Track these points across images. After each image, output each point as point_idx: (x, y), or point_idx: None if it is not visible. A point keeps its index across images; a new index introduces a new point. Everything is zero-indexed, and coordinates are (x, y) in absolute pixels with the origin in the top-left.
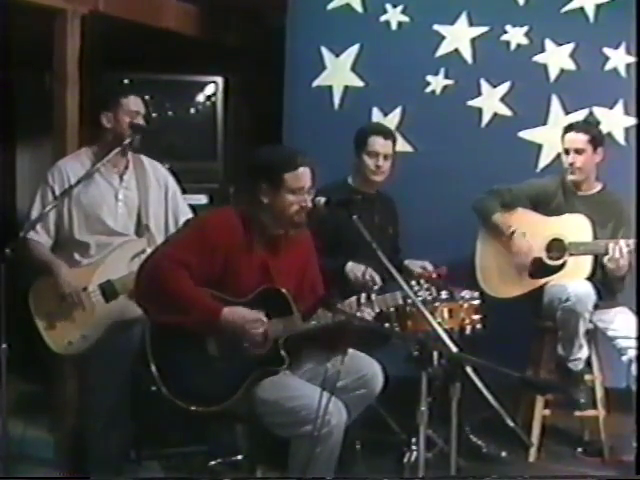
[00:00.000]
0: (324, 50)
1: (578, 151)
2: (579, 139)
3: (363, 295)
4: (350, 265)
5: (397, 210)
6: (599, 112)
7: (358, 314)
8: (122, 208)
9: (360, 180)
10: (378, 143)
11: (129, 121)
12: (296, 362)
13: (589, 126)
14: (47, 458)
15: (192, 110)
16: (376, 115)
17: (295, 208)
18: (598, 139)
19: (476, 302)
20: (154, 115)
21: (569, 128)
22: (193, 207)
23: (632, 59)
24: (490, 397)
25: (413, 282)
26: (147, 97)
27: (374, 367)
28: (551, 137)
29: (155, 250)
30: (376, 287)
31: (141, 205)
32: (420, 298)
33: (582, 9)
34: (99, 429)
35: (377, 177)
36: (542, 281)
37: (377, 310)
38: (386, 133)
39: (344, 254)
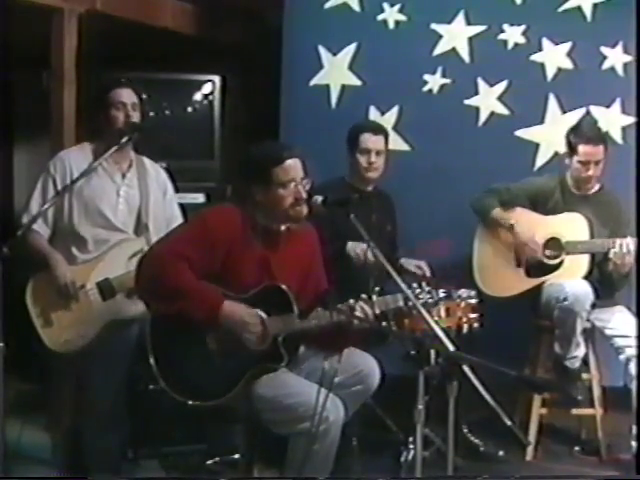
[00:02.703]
0: (321, 49)
1: (597, 162)
2: (598, 151)
3: (363, 295)
4: (350, 244)
5: (395, 207)
6: (596, 111)
7: (357, 313)
8: (123, 204)
9: (355, 177)
10: (369, 140)
11: (123, 116)
12: (295, 360)
13: (600, 133)
14: (44, 458)
15: (189, 109)
16: (373, 114)
17: (289, 201)
18: (607, 143)
19: (473, 301)
20: (151, 114)
21: (585, 140)
22: (186, 206)
23: (629, 58)
24: (487, 396)
25: (415, 284)
26: (144, 96)
27: (371, 363)
28: (548, 136)
29: (156, 243)
30: (378, 268)
31: (142, 204)
32: (421, 301)
33: (579, 8)
34: (96, 428)
35: (371, 174)
36: (539, 280)
37: (377, 311)
38: (376, 129)
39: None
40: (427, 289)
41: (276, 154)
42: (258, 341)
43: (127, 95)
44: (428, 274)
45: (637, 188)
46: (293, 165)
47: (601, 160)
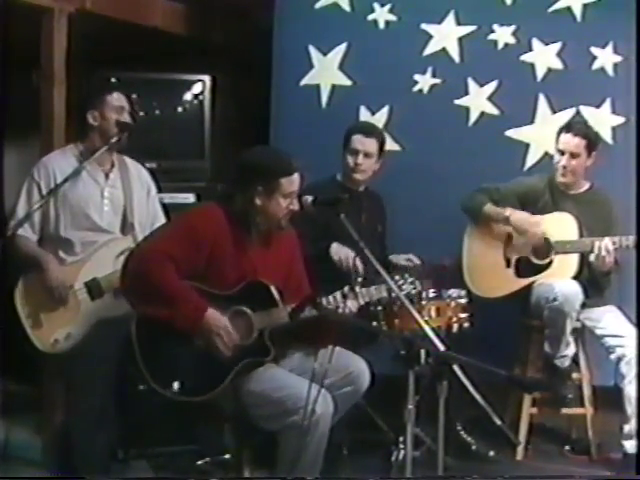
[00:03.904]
0: (312, 49)
1: (573, 155)
2: (576, 143)
3: (347, 287)
4: (335, 246)
5: (385, 207)
6: (586, 111)
7: (346, 310)
8: (108, 205)
9: (345, 177)
10: (358, 141)
11: (115, 118)
12: (282, 354)
13: (587, 130)
14: (34, 458)
15: (179, 109)
16: (364, 114)
17: (285, 212)
18: (594, 143)
19: (463, 300)
20: (141, 114)
21: (567, 129)
22: (177, 206)
23: (619, 58)
24: (477, 395)
25: (397, 277)
26: (134, 96)
27: (361, 364)
28: (538, 136)
29: (141, 243)
30: (360, 274)
31: (126, 204)
32: (404, 292)
33: (569, 8)
34: (86, 428)
35: (357, 175)
36: (529, 280)
37: (362, 302)
38: (368, 132)
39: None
40: (410, 280)
41: (287, 165)
42: (222, 350)
43: (118, 97)
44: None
45: (637, 188)
46: (297, 179)
47: (580, 154)
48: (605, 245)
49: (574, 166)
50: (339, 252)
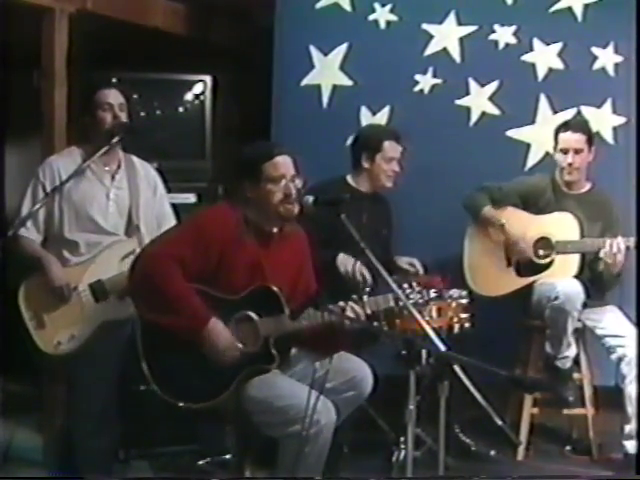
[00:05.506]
0: (313, 49)
1: (577, 151)
2: (578, 139)
3: (354, 297)
4: (341, 257)
5: (392, 211)
6: (587, 111)
7: (348, 313)
8: (113, 207)
9: (366, 182)
10: (395, 148)
11: (110, 117)
12: (286, 361)
13: (585, 125)
14: (35, 459)
15: (180, 109)
16: (364, 114)
17: (279, 197)
18: (592, 138)
19: (464, 301)
20: (142, 114)
21: (565, 128)
22: (178, 206)
23: (620, 58)
24: (478, 396)
25: (405, 285)
26: (135, 96)
27: (364, 369)
28: (539, 136)
29: (150, 244)
30: (367, 285)
31: (132, 205)
32: (412, 301)
33: (570, 9)
34: (87, 429)
35: (390, 182)
36: (530, 279)
37: (368, 311)
38: (399, 138)
39: (335, 252)
40: (418, 289)
41: (266, 151)
42: (226, 362)
43: (113, 96)
44: (421, 271)
45: (637, 188)
46: (283, 162)
47: (582, 150)
48: (617, 244)
49: (580, 162)
50: (345, 263)
